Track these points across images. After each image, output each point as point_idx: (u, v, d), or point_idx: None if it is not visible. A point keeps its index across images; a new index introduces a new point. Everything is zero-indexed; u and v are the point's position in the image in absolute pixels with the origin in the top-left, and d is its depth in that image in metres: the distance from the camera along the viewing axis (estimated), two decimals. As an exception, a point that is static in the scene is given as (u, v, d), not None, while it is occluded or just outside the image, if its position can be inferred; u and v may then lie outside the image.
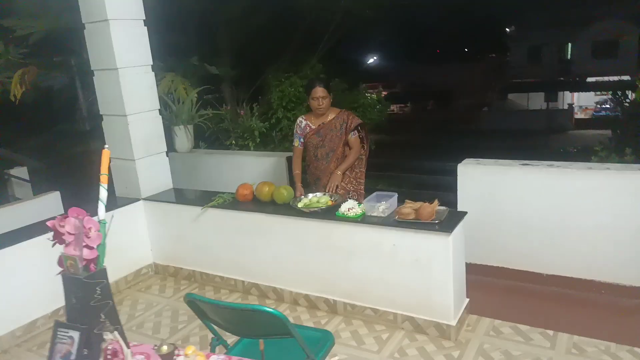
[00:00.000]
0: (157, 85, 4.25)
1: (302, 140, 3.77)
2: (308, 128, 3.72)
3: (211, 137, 6.16)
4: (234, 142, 5.80)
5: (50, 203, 4.91)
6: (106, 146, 1.66)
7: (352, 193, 3.69)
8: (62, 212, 4.87)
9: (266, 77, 7.95)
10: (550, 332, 2.99)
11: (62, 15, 6.12)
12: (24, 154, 6.07)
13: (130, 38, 3.91)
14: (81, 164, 7.15)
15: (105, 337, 1.48)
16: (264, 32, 8.86)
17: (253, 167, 5.02)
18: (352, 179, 3.71)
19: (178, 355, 1.58)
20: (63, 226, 1.49)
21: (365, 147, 3.78)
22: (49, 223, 1.52)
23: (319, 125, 3.68)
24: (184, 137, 5.41)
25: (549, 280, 3.54)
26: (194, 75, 6.51)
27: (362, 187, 3.77)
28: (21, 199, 5.07)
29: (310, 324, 3.35)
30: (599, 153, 5.38)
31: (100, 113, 4.13)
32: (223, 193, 3.87)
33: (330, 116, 3.67)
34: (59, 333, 1.64)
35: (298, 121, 3.80)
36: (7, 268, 3.34)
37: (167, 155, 4.42)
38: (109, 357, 1.46)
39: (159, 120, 4.27)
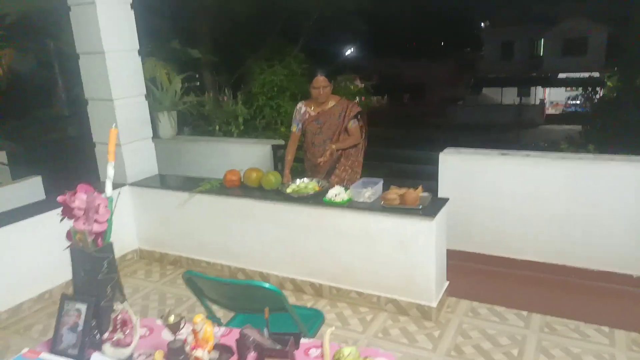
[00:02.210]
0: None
1: (300, 126, 3.73)
2: (307, 115, 3.69)
3: (193, 123, 6.14)
4: (217, 127, 5.81)
5: (31, 188, 4.85)
6: (114, 125, 1.70)
7: (347, 182, 3.64)
8: (44, 196, 4.83)
9: (248, 65, 7.94)
10: (524, 313, 3.17)
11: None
12: (2, 138, 5.94)
13: (117, 20, 3.89)
14: (60, 150, 7.04)
15: (115, 307, 1.54)
16: (245, 19, 8.82)
17: (238, 155, 5.04)
18: (347, 168, 3.71)
19: (184, 326, 1.65)
20: (73, 201, 1.54)
21: (364, 136, 3.74)
22: (59, 198, 1.57)
23: (319, 112, 3.65)
24: (167, 123, 5.40)
25: (523, 265, 3.72)
26: (174, 60, 6.45)
27: (358, 176, 3.73)
28: (0, 183, 4.99)
29: (297, 306, 3.44)
30: (564, 150, 5.62)
31: (85, 97, 4.10)
32: (210, 179, 3.91)
33: (330, 104, 3.63)
34: (65, 306, 1.70)
35: (298, 107, 3.76)
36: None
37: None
38: (118, 326, 1.52)
39: (145, 105, 4.27)
